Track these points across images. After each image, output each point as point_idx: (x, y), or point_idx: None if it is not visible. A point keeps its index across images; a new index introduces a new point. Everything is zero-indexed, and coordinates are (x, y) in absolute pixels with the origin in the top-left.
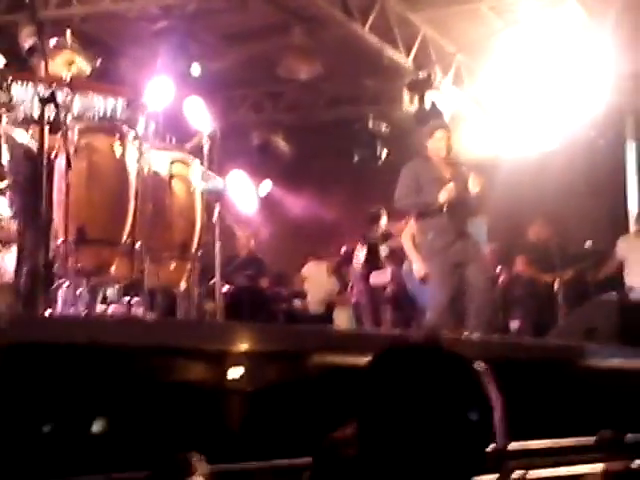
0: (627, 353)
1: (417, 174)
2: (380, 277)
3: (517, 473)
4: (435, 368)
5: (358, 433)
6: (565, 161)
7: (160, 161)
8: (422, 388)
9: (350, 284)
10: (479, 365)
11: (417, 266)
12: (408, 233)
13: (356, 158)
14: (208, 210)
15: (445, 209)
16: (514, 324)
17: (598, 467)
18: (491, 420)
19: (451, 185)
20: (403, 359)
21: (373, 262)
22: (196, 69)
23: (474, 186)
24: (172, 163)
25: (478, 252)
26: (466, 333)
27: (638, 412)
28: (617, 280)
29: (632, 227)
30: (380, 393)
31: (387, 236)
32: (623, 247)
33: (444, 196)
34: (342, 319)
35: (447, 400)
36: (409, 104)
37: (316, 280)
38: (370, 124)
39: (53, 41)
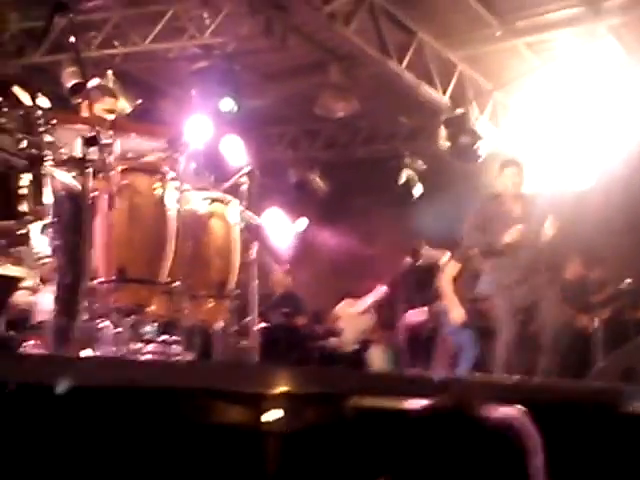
0: None
1: (484, 212)
2: (417, 315)
3: None
4: (466, 439)
5: None
6: (602, 199)
7: (199, 200)
8: (452, 458)
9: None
10: (519, 414)
11: (456, 312)
12: (448, 275)
13: (393, 194)
14: (245, 248)
15: (510, 250)
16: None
17: None
18: None
19: (519, 227)
20: (439, 426)
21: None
22: (228, 104)
23: (549, 229)
24: (211, 202)
25: (551, 290)
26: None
27: None
28: None
29: None
30: (414, 457)
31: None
32: None
33: (510, 237)
34: (376, 357)
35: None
36: (445, 141)
37: (351, 318)
38: (406, 161)
39: (95, 82)
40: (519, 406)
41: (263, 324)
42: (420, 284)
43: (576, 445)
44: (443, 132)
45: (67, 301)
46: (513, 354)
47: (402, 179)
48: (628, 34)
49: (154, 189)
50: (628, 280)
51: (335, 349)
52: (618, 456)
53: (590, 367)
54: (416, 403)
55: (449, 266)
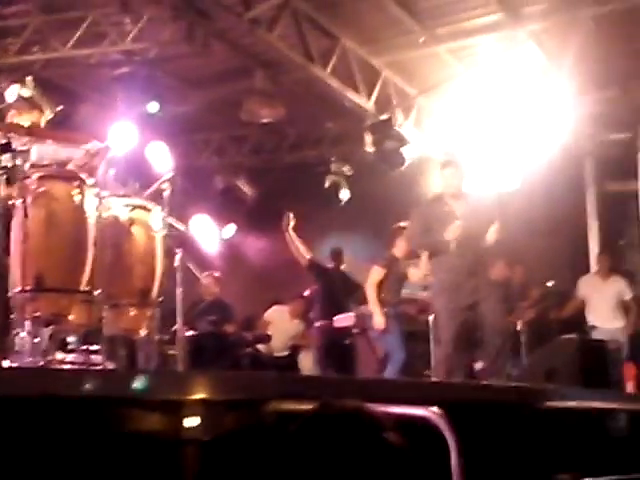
0: (586, 395)
1: (428, 213)
2: (344, 320)
3: None
4: (348, 439)
5: None
6: (525, 202)
7: (120, 207)
8: (335, 457)
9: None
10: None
11: (378, 319)
12: (373, 281)
13: (320, 200)
14: (169, 256)
15: (455, 247)
16: (478, 365)
17: None
18: None
19: (458, 222)
20: (324, 426)
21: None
22: (154, 107)
23: (493, 234)
24: (132, 209)
25: (491, 290)
26: (430, 375)
27: (596, 454)
28: (579, 320)
29: (593, 267)
30: (299, 457)
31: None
32: (585, 287)
33: (452, 233)
34: (307, 362)
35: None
36: (371, 146)
37: (280, 324)
38: (332, 166)
39: (13, 89)
40: (435, 407)
41: (191, 332)
42: (347, 288)
43: (497, 443)
44: (368, 137)
45: None
46: (454, 354)
47: (327, 184)
48: (548, 40)
49: (72, 196)
50: (551, 282)
51: (265, 355)
52: (537, 451)
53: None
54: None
55: (373, 271)
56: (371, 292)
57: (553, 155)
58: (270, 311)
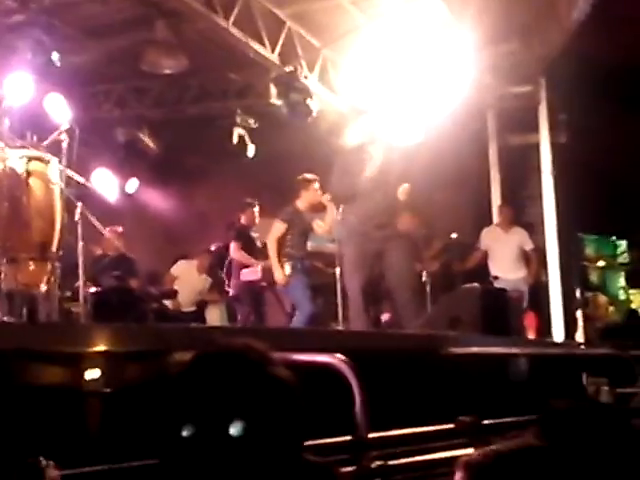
0: (487, 341)
1: (346, 159)
2: (251, 274)
3: (376, 463)
4: (235, 376)
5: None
6: (430, 154)
7: (16, 159)
8: (224, 395)
9: (224, 278)
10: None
11: (278, 274)
12: (274, 236)
13: (224, 153)
14: (70, 209)
15: (369, 190)
16: (384, 317)
17: (458, 453)
18: (300, 427)
19: (377, 165)
20: (208, 365)
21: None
22: (50, 57)
23: (402, 195)
24: (29, 161)
25: (398, 242)
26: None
27: (497, 398)
28: (482, 271)
29: (495, 219)
30: (189, 399)
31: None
32: (487, 238)
33: (369, 172)
34: (214, 317)
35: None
36: (276, 99)
37: (187, 279)
38: (237, 119)
39: None
40: (339, 354)
41: (94, 288)
42: (251, 243)
43: (402, 389)
44: (273, 90)
45: None
46: (362, 304)
47: (234, 138)
48: None
49: None
50: (454, 234)
51: (171, 310)
52: (439, 399)
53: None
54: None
55: (274, 226)
56: (272, 247)
57: (456, 108)
58: (176, 266)
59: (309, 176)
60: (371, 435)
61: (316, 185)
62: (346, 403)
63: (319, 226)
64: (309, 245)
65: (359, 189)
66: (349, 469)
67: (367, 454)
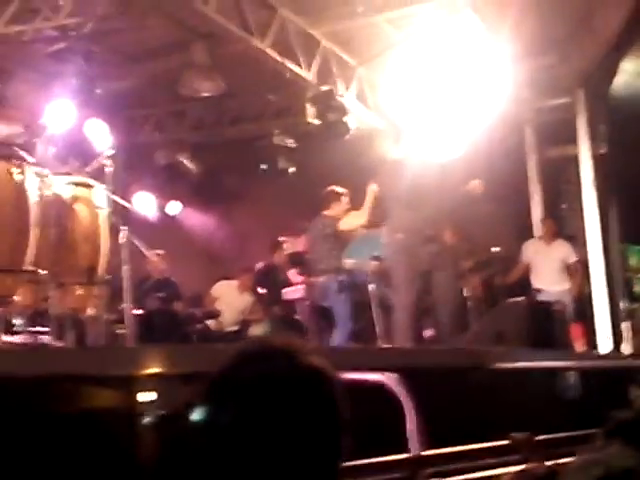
0: (535, 356)
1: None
2: (294, 292)
3: None
4: (279, 377)
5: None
6: (467, 169)
7: (62, 185)
8: (265, 398)
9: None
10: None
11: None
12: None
13: (263, 174)
14: (114, 233)
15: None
16: (427, 333)
17: (513, 469)
18: (338, 436)
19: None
20: (250, 365)
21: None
22: (90, 85)
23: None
24: (74, 187)
25: (445, 257)
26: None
27: (547, 413)
28: (525, 284)
29: (536, 232)
30: (228, 398)
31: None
32: (529, 251)
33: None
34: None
35: (287, 415)
36: (313, 118)
37: (228, 299)
38: (275, 139)
39: None
40: (390, 373)
41: (139, 310)
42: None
43: (451, 405)
44: (310, 109)
45: None
46: (411, 319)
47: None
48: (486, 6)
49: (12, 174)
50: (496, 248)
51: (215, 331)
52: (491, 411)
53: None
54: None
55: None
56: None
57: (493, 123)
58: (217, 286)
59: (339, 189)
60: (425, 452)
61: (345, 199)
62: (398, 421)
63: (345, 223)
64: (349, 262)
65: (402, 204)
66: None
67: (422, 472)
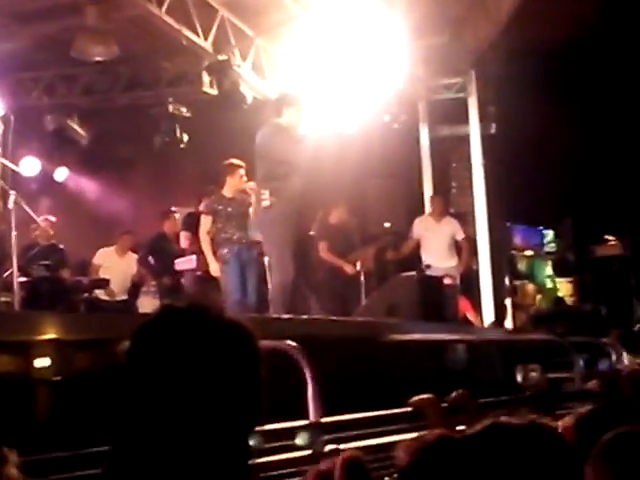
0: (426, 327)
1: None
2: (186, 263)
3: (329, 447)
4: (198, 332)
5: (130, 419)
6: (362, 144)
7: None
8: (183, 354)
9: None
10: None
11: (212, 267)
12: (204, 228)
13: (156, 143)
14: (2, 197)
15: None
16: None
17: (406, 437)
18: (259, 393)
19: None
20: (164, 325)
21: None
22: None
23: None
24: None
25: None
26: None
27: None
28: (415, 259)
29: (427, 208)
30: (142, 369)
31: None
32: (419, 228)
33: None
34: (147, 305)
35: (209, 366)
36: (209, 87)
37: (110, 265)
38: (170, 108)
39: None
40: (290, 341)
41: (24, 277)
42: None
43: (346, 373)
44: (206, 78)
45: None
46: (289, 295)
47: (165, 126)
48: None
49: None
50: (387, 224)
51: (102, 300)
52: (383, 379)
53: (355, 305)
54: None
55: (203, 219)
56: (203, 241)
57: (388, 99)
58: (97, 254)
59: (235, 161)
60: (324, 419)
61: (242, 171)
62: (296, 389)
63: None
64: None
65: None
66: (303, 453)
67: (320, 438)
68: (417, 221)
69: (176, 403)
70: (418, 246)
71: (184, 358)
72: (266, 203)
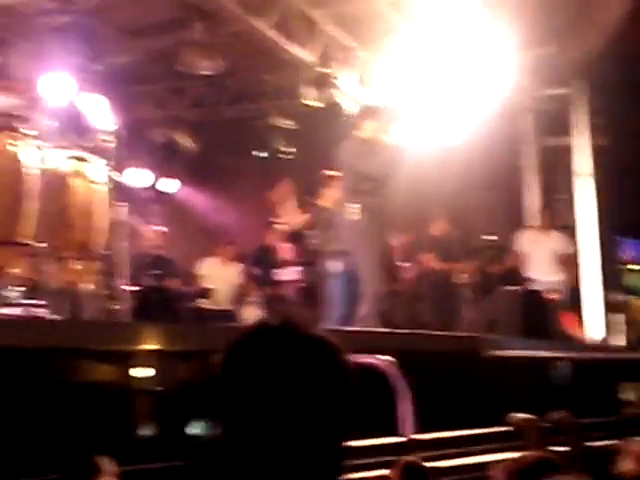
0: (528, 344)
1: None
2: (288, 274)
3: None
4: (290, 350)
5: (222, 432)
6: (465, 156)
7: (59, 159)
8: (275, 372)
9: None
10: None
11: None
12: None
13: (259, 155)
14: (112, 209)
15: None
16: (422, 318)
17: (502, 456)
18: (349, 409)
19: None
20: (257, 342)
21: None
22: (89, 61)
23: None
24: (71, 161)
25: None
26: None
27: (538, 401)
28: (518, 273)
29: (528, 221)
30: (234, 385)
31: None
32: (523, 241)
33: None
34: (250, 315)
35: (299, 385)
36: (311, 100)
37: (215, 275)
38: (273, 120)
39: None
40: (387, 356)
41: (134, 287)
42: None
43: (443, 388)
44: (307, 91)
45: None
46: (385, 305)
47: (268, 138)
48: None
49: (6, 147)
50: (490, 236)
51: (207, 309)
52: (482, 396)
53: (458, 318)
54: None
55: (304, 231)
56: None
57: (492, 110)
58: (202, 265)
59: (331, 173)
60: (415, 437)
61: (338, 183)
62: (388, 405)
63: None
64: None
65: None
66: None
67: (414, 455)
68: (522, 234)
69: (265, 418)
70: (522, 260)
71: (274, 373)
72: (355, 216)
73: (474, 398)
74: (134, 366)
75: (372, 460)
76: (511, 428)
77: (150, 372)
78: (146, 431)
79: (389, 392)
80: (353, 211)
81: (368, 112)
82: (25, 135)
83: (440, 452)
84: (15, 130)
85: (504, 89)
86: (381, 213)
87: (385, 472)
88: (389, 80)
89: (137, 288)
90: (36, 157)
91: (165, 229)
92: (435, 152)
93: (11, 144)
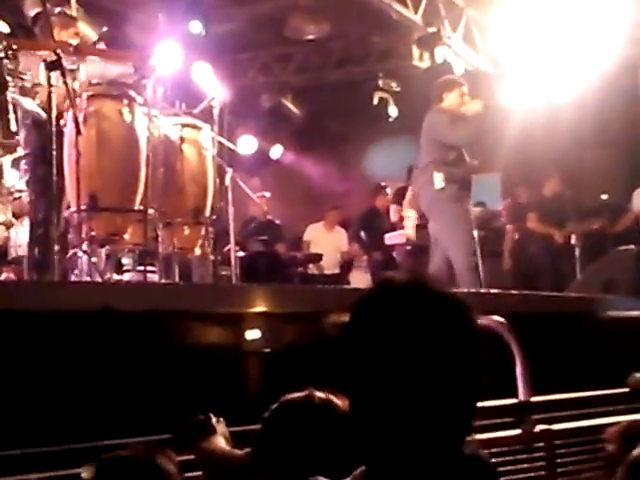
0: None
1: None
2: (396, 237)
3: (540, 427)
4: (420, 308)
5: (346, 384)
6: (576, 113)
7: (170, 126)
8: (406, 330)
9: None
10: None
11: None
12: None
13: (367, 118)
14: (220, 175)
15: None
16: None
17: (621, 419)
18: (481, 368)
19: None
20: (386, 300)
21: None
22: (196, 27)
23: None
24: (182, 128)
25: None
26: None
27: None
28: (634, 233)
29: None
30: (362, 340)
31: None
32: None
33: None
34: (358, 280)
35: (433, 343)
36: (419, 60)
37: (320, 241)
38: (380, 83)
39: (57, 10)
40: (498, 317)
41: (242, 252)
42: None
43: (558, 351)
44: (416, 51)
45: (41, 234)
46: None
47: (375, 101)
48: None
49: (122, 114)
50: (604, 196)
51: (315, 274)
52: (596, 363)
53: (570, 280)
54: None
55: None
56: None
57: (606, 67)
58: (307, 231)
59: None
60: (534, 399)
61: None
62: (505, 367)
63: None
64: None
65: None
66: (513, 432)
67: (528, 418)
68: (637, 192)
69: (397, 379)
70: (638, 219)
71: (406, 334)
72: (440, 185)
73: (592, 360)
74: (244, 328)
75: (491, 422)
76: (630, 390)
77: (260, 334)
78: (256, 393)
79: (504, 353)
80: (439, 180)
81: (445, 84)
82: (140, 104)
83: (557, 414)
84: (130, 99)
85: (618, 41)
86: (464, 182)
87: (507, 433)
88: (497, 38)
89: (245, 253)
90: (150, 125)
91: (269, 194)
92: (545, 110)
93: (126, 112)
